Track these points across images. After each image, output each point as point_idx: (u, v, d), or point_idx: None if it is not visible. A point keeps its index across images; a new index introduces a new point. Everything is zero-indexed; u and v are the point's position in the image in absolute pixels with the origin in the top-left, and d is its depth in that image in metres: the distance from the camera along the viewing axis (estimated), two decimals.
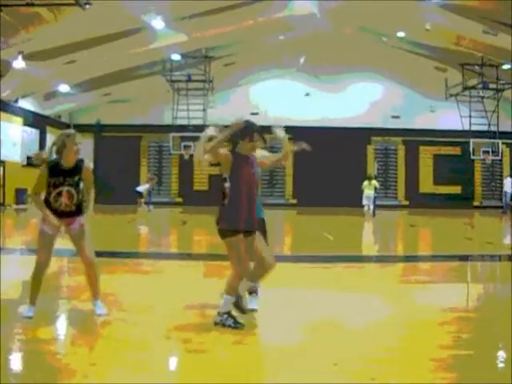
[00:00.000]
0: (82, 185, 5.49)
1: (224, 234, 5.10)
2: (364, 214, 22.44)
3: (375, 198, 23.66)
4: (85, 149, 5.88)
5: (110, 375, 3.85)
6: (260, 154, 5.44)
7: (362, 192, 23.22)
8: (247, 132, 5.14)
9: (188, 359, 4.31)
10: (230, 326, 5.02)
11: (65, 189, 5.39)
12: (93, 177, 5.69)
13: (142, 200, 25.32)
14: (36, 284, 5.46)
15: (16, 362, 4.23)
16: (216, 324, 5.04)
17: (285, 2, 23.91)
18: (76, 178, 5.45)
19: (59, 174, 5.39)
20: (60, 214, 5.41)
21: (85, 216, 5.58)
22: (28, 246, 11.79)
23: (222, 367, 4.07)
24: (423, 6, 22.99)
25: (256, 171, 5.21)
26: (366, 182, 23.29)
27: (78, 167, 5.45)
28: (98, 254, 5.67)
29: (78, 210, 5.50)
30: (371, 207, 22.95)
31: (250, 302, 5.54)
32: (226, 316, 5.07)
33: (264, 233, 5.53)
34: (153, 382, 3.82)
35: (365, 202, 22.91)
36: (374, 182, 23.55)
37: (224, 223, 5.09)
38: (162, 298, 6.28)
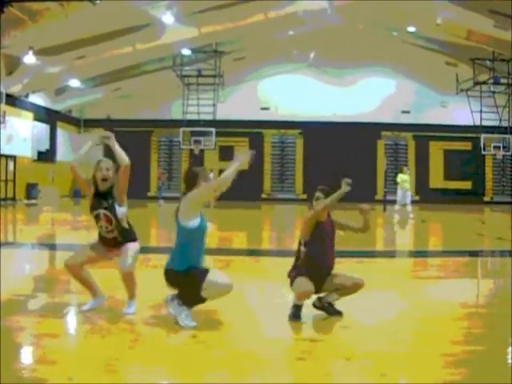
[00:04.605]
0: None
1: None
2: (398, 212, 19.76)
3: (386, 193, 23.56)
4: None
5: (126, 372, 3.88)
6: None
7: (396, 185, 20.40)
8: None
9: (198, 354, 4.32)
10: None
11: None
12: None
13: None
14: None
15: (28, 357, 4.27)
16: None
17: None
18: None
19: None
20: None
21: None
22: (49, 241, 11.87)
23: (231, 362, 4.08)
24: (434, 1, 22.88)
25: None
26: (404, 176, 20.22)
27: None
28: None
29: None
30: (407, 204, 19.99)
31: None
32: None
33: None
34: (166, 376, 3.85)
35: (401, 198, 19.99)
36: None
37: None
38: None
